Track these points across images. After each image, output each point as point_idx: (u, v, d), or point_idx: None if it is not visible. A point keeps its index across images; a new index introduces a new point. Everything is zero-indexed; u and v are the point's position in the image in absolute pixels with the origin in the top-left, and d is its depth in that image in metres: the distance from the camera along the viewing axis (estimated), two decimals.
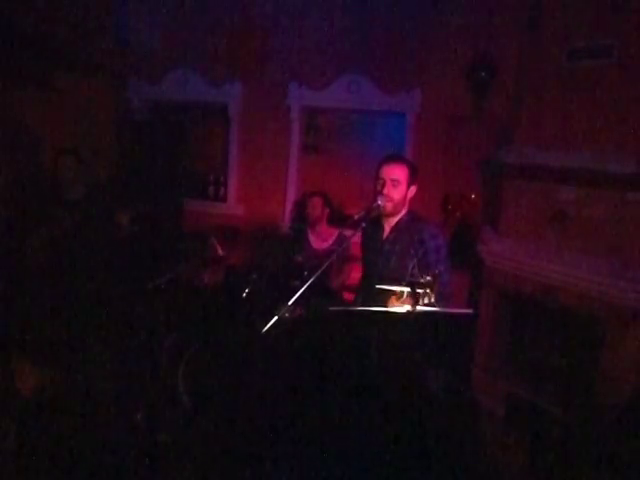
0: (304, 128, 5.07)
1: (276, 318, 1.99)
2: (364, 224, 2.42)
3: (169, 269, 3.29)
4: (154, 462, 2.60)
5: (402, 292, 2.04)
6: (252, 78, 4.94)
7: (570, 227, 3.33)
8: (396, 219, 2.50)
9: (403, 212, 2.50)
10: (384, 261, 2.49)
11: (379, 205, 2.40)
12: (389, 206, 2.42)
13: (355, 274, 3.84)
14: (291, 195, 5.02)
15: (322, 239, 3.98)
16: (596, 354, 3.16)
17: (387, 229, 2.53)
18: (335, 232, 3.99)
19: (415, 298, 1.97)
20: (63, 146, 3.81)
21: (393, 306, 2.09)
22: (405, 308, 2.01)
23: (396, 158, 2.52)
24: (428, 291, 1.95)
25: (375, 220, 2.54)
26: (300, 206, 4.70)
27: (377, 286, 2.17)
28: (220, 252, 3.56)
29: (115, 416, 2.86)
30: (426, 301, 1.96)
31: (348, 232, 3.86)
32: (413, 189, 2.48)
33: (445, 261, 2.40)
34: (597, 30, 3.25)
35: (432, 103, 4.39)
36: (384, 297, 2.16)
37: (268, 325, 1.98)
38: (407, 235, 2.44)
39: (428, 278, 1.96)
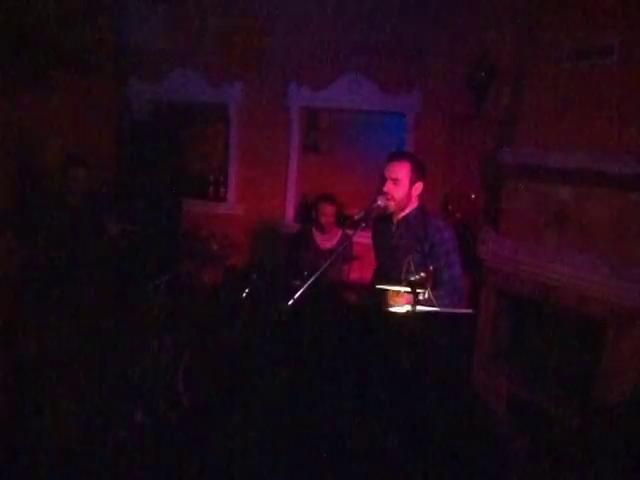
0: (304, 128, 5.07)
1: (276, 318, 2.00)
2: (371, 220, 2.42)
3: (169, 269, 3.30)
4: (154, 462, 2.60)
5: (401, 292, 2.05)
6: (252, 78, 4.94)
7: (570, 227, 3.32)
8: (404, 214, 2.49)
9: (411, 208, 2.49)
10: (391, 256, 2.50)
11: (379, 205, 2.40)
12: (391, 204, 2.42)
13: (355, 273, 3.84)
14: (291, 195, 5.01)
15: (327, 239, 3.99)
16: (596, 354, 3.16)
17: (395, 224, 2.53)
18: (339, 232, 4.00)
19: (414, 298, 1.97)
20: (73, 156, 3.82)
21: (393, 305, 2.09)
22: (405, 308, 2.01)
23: (398, 156, 2.51)
24: (422, 279, 1.95)
25: (385, 216, 2.54)
26: (308, 208, 4.68)
27: (376, 286, 2.17)
28: (215, 247, 3.56)
29: (115, 416, 2.86)
30: (422, 298, 1.95)
31: (349, 231, 3.86)
32: (419, 186, 2.46)
33: (454, 253, 2.38)
34: (597, 30, 3.25)
35: (432, 103, 4.39)
36: (384, 296, 2.16)
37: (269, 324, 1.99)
38: (413, 230, 2.44)
39: (422, 274, 1.96)
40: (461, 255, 2.44)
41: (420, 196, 2.51)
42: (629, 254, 3.02)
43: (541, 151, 3.47)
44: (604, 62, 3.20)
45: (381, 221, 2.60)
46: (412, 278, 1.96)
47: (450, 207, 4.38)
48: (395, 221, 2.52)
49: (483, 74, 4.05)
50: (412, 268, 2.01)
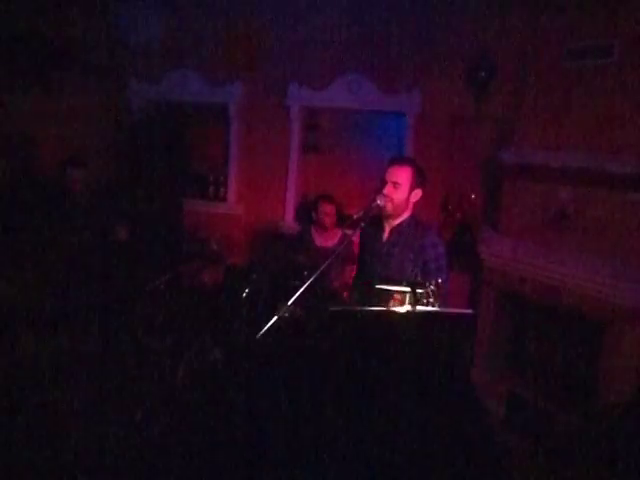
0: (304, 128, 5.07)
1: (275, 318, 2.00)
2: (364, 224, 2.41)
3: (169, 269, 3.30)
4: (153, 462, 2.60)
5: (402, 293, 2.04)
6: (252, 78, 4.95)
7: (570, 227, 3.33)
8: (397, 221, 2.48)
9: (405, 215, 2.48)
10: (382, 263, 2.48)
11: (378, 204, 2.40)
12: (389, 206, 2.41)
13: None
14: (291, 195, 5.01)
15: (326, 239, 3.99)
16: (596, 354, 3.16)
17: (387, 231, 2.51)
18: (339, 232, 4.00)
19: (415, 299, 1.97)
20: (71, 157, 3.82)
21: (393, 306, 2.09)
22: (405, 308, 2.01)
23: (400, 160, 2.50)
24: (429, 292, 1.95)
25: (376, 221, 2.53)
26: (308, 207, 4.68)
27: (377, 286, 2.17)
28: (215, 247, 3.57)
29: (114, 416, 2.86)
30: (426, 301, 1.95)
31: (348, 231, 3.86)
32: (418, 193, 2.45)
33: (444, 270, 2.40)
34: (597, 30, 3.25)
35: (432, 103, 4.39)
36: (384, 297, 2.15)
37: (267, 325, 1.98)
38: (407, 239, 2.43)
39: (432, 287, 1.96)
40: (450, 261, 2.47)
41: (416, 204, 2.51)
42: (629, 254, 3.03)
43: (541, 151, 3.47)
44: (604, 62, 3.21)
45: (371, 226, 2.55)
46: (422, 282, 1.96)
47: (450, 207, 4.38)
48: (388, 228, 2.51)
49: (483, 74, 4.06)
50: (419, 279, 2.00)
